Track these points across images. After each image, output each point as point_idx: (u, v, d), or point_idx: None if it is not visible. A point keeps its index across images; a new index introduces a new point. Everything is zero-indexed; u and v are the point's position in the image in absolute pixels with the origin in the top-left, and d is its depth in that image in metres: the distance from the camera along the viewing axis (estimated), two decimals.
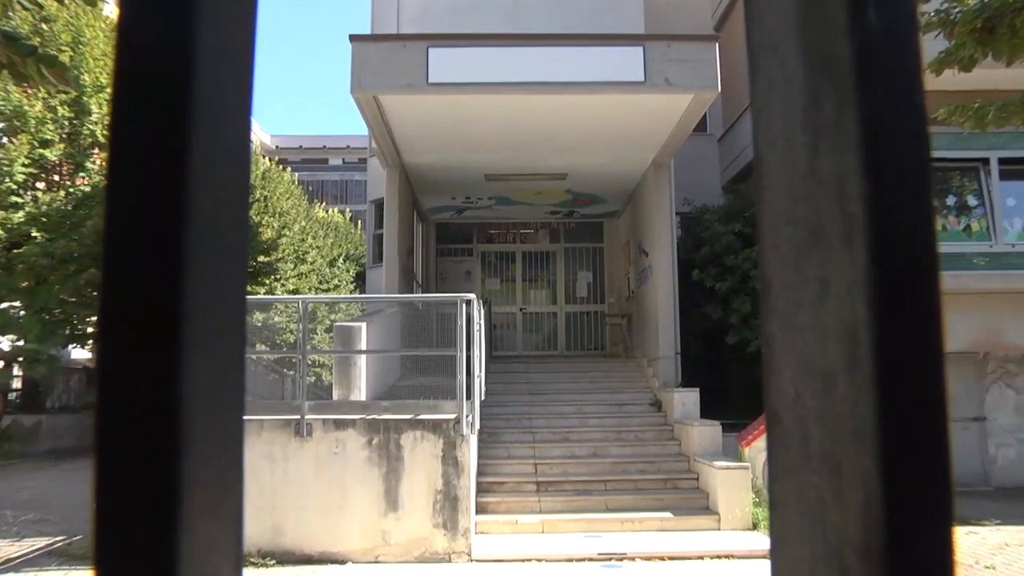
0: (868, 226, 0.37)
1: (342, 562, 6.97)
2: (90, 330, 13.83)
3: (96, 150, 13.04)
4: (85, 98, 12.78)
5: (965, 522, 8.00)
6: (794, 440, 0.40)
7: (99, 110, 12.88)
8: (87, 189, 12.83)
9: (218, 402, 0.41)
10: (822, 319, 0.38)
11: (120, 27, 0.40)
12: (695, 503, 8.31)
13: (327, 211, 25.43)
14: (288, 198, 19.44)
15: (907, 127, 0.38)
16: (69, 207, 12.65)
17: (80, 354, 17.35)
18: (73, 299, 13.03)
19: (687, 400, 9.65)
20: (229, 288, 0.46)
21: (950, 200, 11.10)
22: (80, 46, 12.91)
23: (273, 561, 6.90)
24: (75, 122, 12.94)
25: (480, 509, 8.00)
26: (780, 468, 0.42)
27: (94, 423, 0.37)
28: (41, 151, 12.57)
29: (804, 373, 0.40)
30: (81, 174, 13.07)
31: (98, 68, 13.00)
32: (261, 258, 16.33)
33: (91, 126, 12.93)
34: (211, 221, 0.42)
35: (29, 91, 12.06)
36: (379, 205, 14.20)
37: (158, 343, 0.37)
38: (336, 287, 20.70)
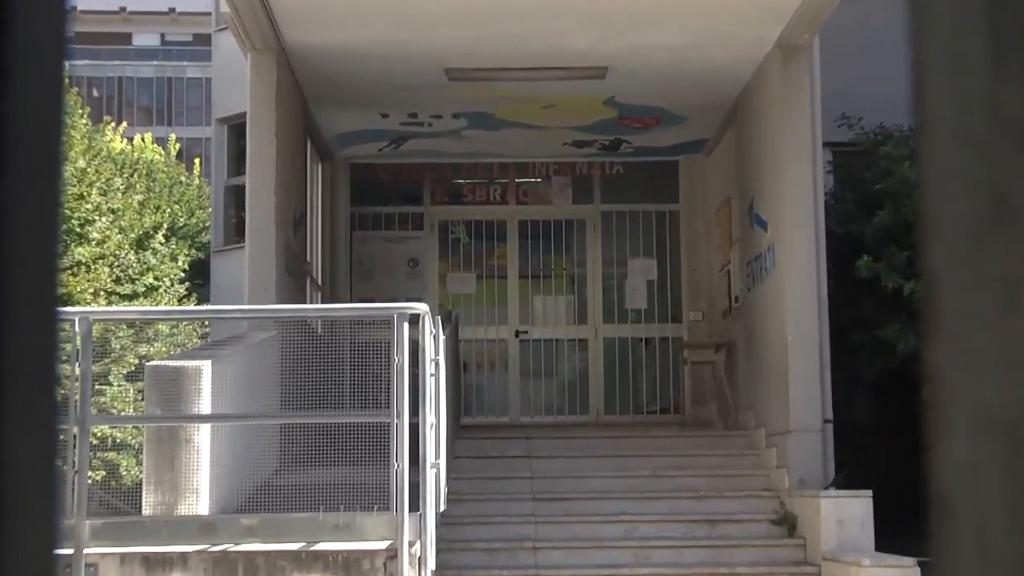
0: None
1: None
2: None
3: None
4: None
5: None
6: (969, 536, 0.49)
7: None
8: None
9: (32, 486, 0.48)
10: (1009, 342, 0.47)
11: None
12: None
13: (131, 141, 25.40)
14: None
15: None
16: None
17: None
18: None
19: (848, 515, 9.70)
20: (38, 298, 0.54)
21: None
22: None
23: None
24: None
25: None
26: None
27: None
28: None
29: (984, 430, 0.48)
30: None
31: None
32: None
33: None
34: (14, 191, 0.50)
35: None
36: (237, 129, 14.22)
37: None
38: (152, 291, 20.69)
